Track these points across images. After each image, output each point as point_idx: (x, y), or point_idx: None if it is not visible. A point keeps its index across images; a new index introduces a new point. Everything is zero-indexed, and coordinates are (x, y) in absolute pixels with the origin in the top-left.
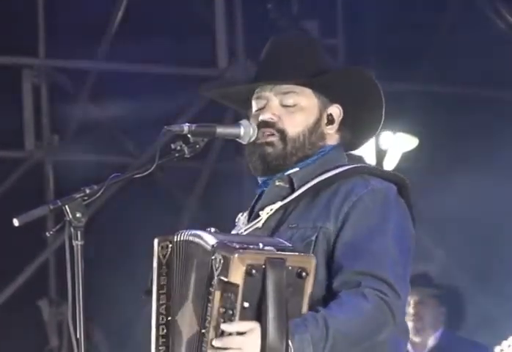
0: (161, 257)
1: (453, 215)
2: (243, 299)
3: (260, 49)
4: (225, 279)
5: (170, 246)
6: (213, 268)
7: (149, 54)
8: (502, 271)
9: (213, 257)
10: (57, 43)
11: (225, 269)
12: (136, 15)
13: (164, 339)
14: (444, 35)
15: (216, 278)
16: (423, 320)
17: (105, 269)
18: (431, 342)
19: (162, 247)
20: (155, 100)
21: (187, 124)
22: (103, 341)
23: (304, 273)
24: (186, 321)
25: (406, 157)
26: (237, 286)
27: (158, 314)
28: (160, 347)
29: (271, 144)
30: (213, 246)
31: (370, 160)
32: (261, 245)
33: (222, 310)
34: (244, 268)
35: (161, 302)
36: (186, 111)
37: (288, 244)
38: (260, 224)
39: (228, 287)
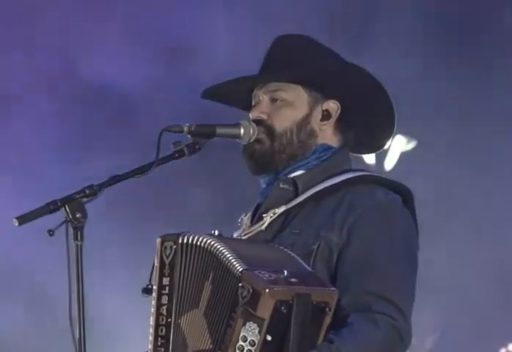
0: (164, 256)
1: None
2: (267, 332)
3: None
4: (252, 312)
5: (174, 247)
6: (240, 295)
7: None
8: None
9: (240, 284)
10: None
11: (254, 302)
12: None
13: (164, 341)
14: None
15: (241, 306)
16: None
17: None
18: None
19: (165, 247)
20: (154, 100)
21: (187, 124)
22: None
23: (327, 309)
24: (193, 330)
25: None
26: (262, 319)
27: (159, 314)
28: (159, 348)
29: (258, 140)
30: (241, 272)
31: (369, 159)
32: (286, 273)
33: (243, 338)
34: (273, 304)
35: (162, 302)
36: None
37: (310, 269)
38: (263, 227)
39: (252, 318)
